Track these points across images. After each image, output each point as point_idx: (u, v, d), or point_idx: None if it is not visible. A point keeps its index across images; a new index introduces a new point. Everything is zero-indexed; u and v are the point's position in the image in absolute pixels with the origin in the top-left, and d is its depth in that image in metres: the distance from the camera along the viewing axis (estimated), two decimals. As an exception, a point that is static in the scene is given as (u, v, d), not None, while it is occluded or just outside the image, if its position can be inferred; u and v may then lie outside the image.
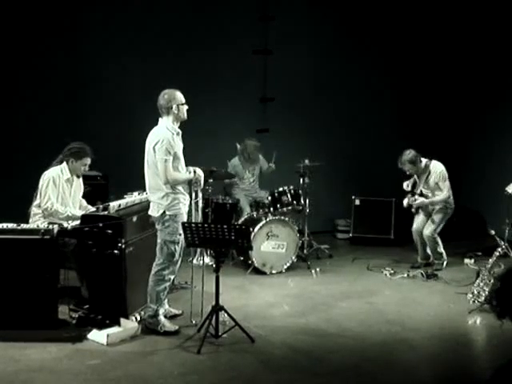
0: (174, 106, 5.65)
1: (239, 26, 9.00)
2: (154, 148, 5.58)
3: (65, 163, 6.28)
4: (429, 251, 7.81)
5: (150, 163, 5.65)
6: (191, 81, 8.54)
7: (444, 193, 7.51)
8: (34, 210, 6.26)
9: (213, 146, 8.58)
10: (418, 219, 7.75)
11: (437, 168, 7.55)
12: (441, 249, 7.73)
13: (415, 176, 7.70)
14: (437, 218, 7.60)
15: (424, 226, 7.66)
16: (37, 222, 6.18)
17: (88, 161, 6.32)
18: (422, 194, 7.61)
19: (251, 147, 8.49)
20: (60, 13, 8.32)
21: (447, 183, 7.52)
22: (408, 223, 8.87)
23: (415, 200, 7.58)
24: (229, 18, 8.95)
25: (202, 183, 6.00)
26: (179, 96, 5.70)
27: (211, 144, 8.58)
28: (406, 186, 7.77)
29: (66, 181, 6.27)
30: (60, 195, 6.23)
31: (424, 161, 7.56)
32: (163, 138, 5.56)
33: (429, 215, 7.67)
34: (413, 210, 7.74)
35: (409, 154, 7.49)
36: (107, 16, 8.50)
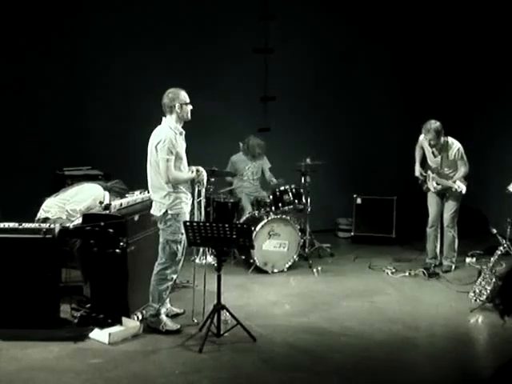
0: (177, 105, 5.65)
1: (240, 25, 8.99)
2: (156, 147, 5.59)
3: (108, 193, 6.44)
4: (438, 249, 7.77)
5: (152, 162, 5.66)
6: (192, 80, 8.49)
7: (462, 169, 7.37)
8: (50, 205, 6.34)
9: (214, 146, 8.56)
10: (433, 205, 7.65)
11: (455, 144, 7.41)
12: (456, 245, 7.70)
13: (423, 153, 7.61)
14: (452, 202, 7.52)
15: (442, 210, 7.60)
16: (48, 214, 6.23)
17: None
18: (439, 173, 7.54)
19: (253, 142, 8.47)
20: (61, 12, 8.31)
21: (464, 159, 7.39)
22: (409, 222, 8.92)
23: (437, 183, 7.47)
24: (229, 16, 8.94)
25: (205, 182, 6.01)
26: (183, 95, 5.71)
27: (212, 143, 8.56)
28: (419, 173, 7.70)
29: (101, 206, 6.37)
30: (89, 210, 6.31)
31: (442, 138, 7.41)
32: (165, 138, 5.57)
33: (442, 196, 7.60)
34: (424, 187, 7.66)
35: (435, 122, 7.26)
36: (108, 16, 8.49)
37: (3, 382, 4.83)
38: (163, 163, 5.56)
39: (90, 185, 6.55)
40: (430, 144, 7.42)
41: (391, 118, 9.73)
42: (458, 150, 7.41)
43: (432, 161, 7.60)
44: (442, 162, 7.50)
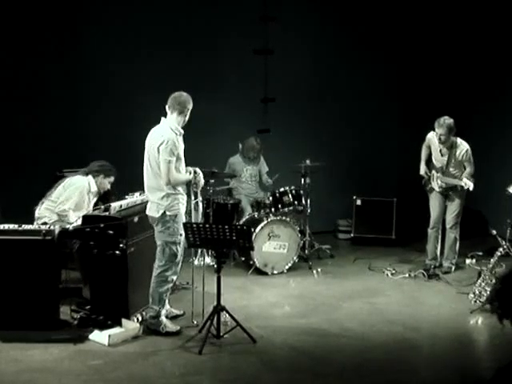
0: (187, 110, 5.67)
1: (240, 26, 8.98)
2: (158, 148, 5.55)
3: (91, 177, 6.46)
4: (438, 250, 7.77)
5: (153, 163, 5.63)
6: (192, 81, 8.52)
7: (468, 169, 7.37)
8: (42, 212, 6.31)
9: (213, 147, 8.56)
10: (435, 205, 7.63)
11: (464, 145, 7.39)
12: (457, 247, 7.69)
13: (429, 151, 7.59)
14: (456, 204, 7.53)
15: (444, 211, 7.59)
16: (43, 219, 6.22)
17: (113, 179, 6.60)
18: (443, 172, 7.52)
19: (248, 144, 8.48)
20: (61, 12, 8.30)
21: (471, 160, 7.37)
22: (409, 223, 8.91)
23: (441, 180, 7.45)
24: (230, 18, 8.94)
25: (202, 184, 6.00)
26: (192, 103, 5.73)
27: (212, 144, 8.56)
28: (424, 172, 7.67)
29: (92, 193, 6.40)
30: (79, 204, 6.36)
31: (452, 137, 7.40)
32: (168, 139, 5.54)
33: (445, 197, 7.59)
34: (427, 187, 7.64)
35: (449, 119, 7.28)
36: (108, 16, 8.48)
37: (3, 383, 4.83)
38: (165, 164, 5.53)
39: (70, 180, 6.49)
40: (439, 139, 7.36)
41: (391, 120, 9.72)
42: (467, 151, 7.39)
43: (438, 160, 7.57)
44: (448, 161, 7.46)
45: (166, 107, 5.72)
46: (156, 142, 5.59)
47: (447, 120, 7.29)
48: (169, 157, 5.52)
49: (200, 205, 6.25)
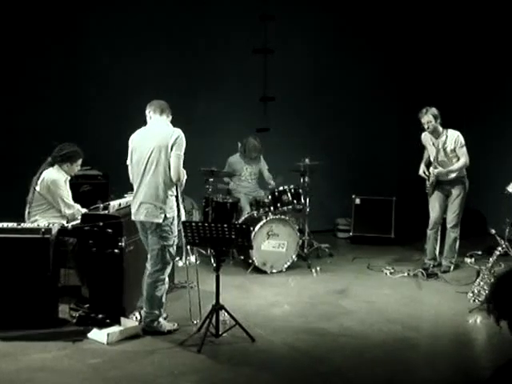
0: (171, 116, 5.67)
1: (239, 25, 9.00)
2: (172, 145, 5.43)
3: (57, 166, 6.32)
4: (437, 251, 7.76)
5: (163, 163, 5.47)
6: (191, 80, 8.55)
7: (462, 159, 7.38)
8: (32, 219, 6.26)
9: (213, 146, 8.57)
10: (435, 206, 7.64)
11: (453, 133, 7.41)
12: (457, 246, 7.70)
13: (428, 150, 7.61)
14: (457, 204, 7.54)
15: (444, 212, 7.59)
16: (38, 222, 6.19)
17: (81, 161, 6.43)
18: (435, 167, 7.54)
19: (250, 144, 8.48)
20: (60, 12, 8.32)
21: (464, 149, 7.37)
22: (408, 222, 8.92)
23: (433, 172, 7.47)
24: (229, 17, 8.95)
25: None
26: None
27: (211, 143, 8.57)
28: (423, 172, 7.67)
29: (65, 181, 6.33)
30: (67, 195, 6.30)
31: (441, 128, 7.43)
32: (180, 135, 5.49)
33: (445, 197, 7.62)
34: (428, 189, 7.63)
35: (431, 107, 7.36)
36: (107, 15, 8.51)
37: (2, 382, 4.83)
38: (177, 160, 5.44)
39: (44, 182, 6.22)
40: (428, 128, 7.37)
41: (390, 119, 9.73)
42: (458, 136, 7.39)
43: (434, 155, 7.57)
44: (438, 151, 7.44)
45: (151, 111, 5.64)
46: (167, 140, 5.46)
47: (429, 108, 7.34)
48: (181, 152, 5.46)
49: (180, 202, 6.22)
